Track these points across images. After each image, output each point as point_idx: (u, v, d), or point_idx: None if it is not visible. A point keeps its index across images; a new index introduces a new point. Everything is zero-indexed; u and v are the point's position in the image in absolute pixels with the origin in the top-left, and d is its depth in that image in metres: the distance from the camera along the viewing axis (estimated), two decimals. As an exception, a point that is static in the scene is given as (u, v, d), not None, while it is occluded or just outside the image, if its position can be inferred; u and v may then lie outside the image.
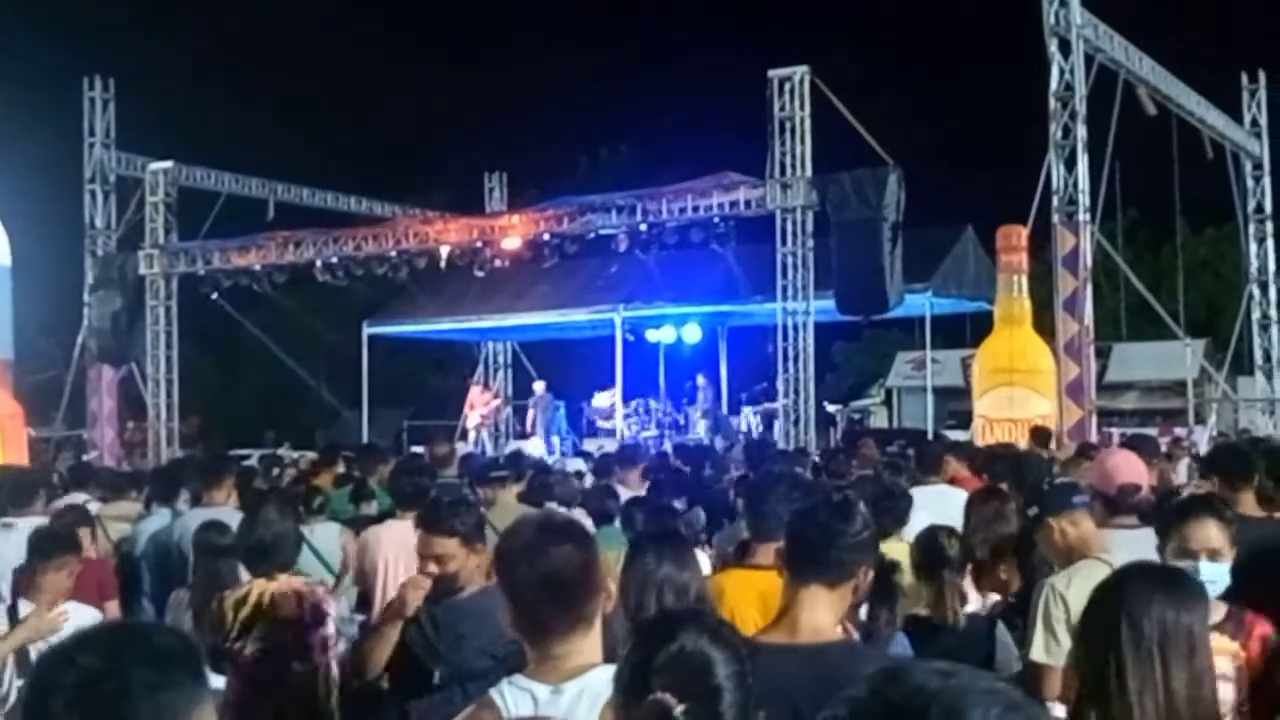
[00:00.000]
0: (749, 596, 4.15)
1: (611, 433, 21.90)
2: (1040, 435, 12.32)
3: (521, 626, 2.70)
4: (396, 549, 6.47)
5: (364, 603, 6.55)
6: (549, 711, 2.56)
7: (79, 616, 4.90)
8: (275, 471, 12.00)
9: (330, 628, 5.17)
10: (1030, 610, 4.34)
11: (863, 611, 3.70)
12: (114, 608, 6.47)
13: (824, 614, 3.08)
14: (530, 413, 23.31)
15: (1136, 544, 4.71)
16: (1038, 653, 4.14)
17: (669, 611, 2.77)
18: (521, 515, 4.33)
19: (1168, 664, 2.52)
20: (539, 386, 23.99)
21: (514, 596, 2.69)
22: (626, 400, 22.49)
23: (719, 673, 2.11)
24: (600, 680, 2.59)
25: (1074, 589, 4.02)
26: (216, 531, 6.04)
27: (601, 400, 22.51)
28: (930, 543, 4.83)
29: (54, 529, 6.10)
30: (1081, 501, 4.58)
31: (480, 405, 23.43)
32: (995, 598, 5.29)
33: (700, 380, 22.98)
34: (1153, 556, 4.56)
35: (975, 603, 5.00)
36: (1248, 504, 5.74)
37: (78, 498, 8.74)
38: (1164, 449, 11.84)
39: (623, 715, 2.13)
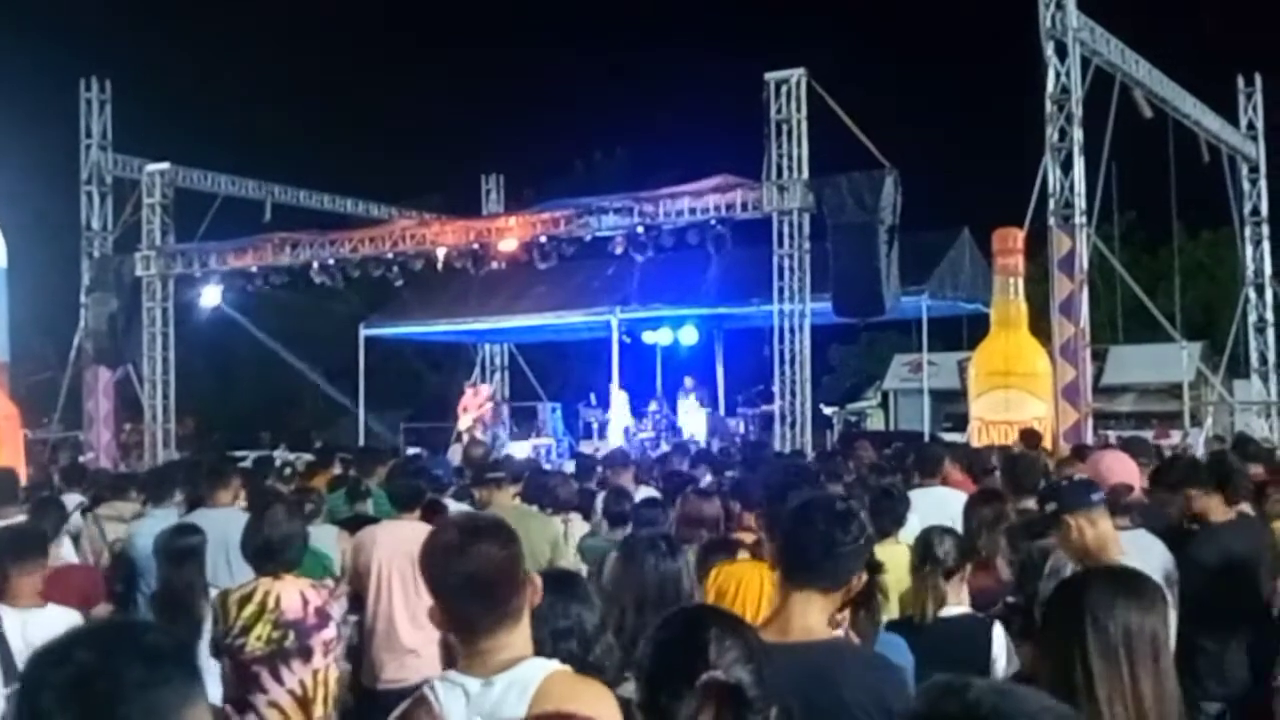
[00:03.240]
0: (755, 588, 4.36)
1: (605, 435, 21.91)
2: (1029, 437, 12.28)
3: (449, 624, 2.77)
4: (391, 550, 6.47)
5: (356, 604, 6.55)
6: (480, 704, 2.62)
7: (61, 620, 4.85)
8: (288, 472, 11.92)
9: (332, 630, 5.17)
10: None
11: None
12: (100, 614, 6.41)
13: (816, 616, 3.14)
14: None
15: (1134, 546, 4.72)
16: None
17: (687, 608, 2.82)
18: (447, 516, 4.37)
19: (1134, 668, 2.51)
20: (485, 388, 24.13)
21: (439, 595, 2.77)
22: (635, 409, 22.49)
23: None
24: (529, 671, 2.66)
25: None
26: (180, 534, 6.01)
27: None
28: (922, 542, 4.84)
29: (20, 528, 5.88)
30: (1099, 499, 4.54)
31: (474, 408, 23.43)
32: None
33: (688, 382, 22.97)
34: (1151, 558, 4.59)
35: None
36: (1217, 509, 5.78)
37: (71, 499, 8.73)
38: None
39: (655, 709, 2.16)
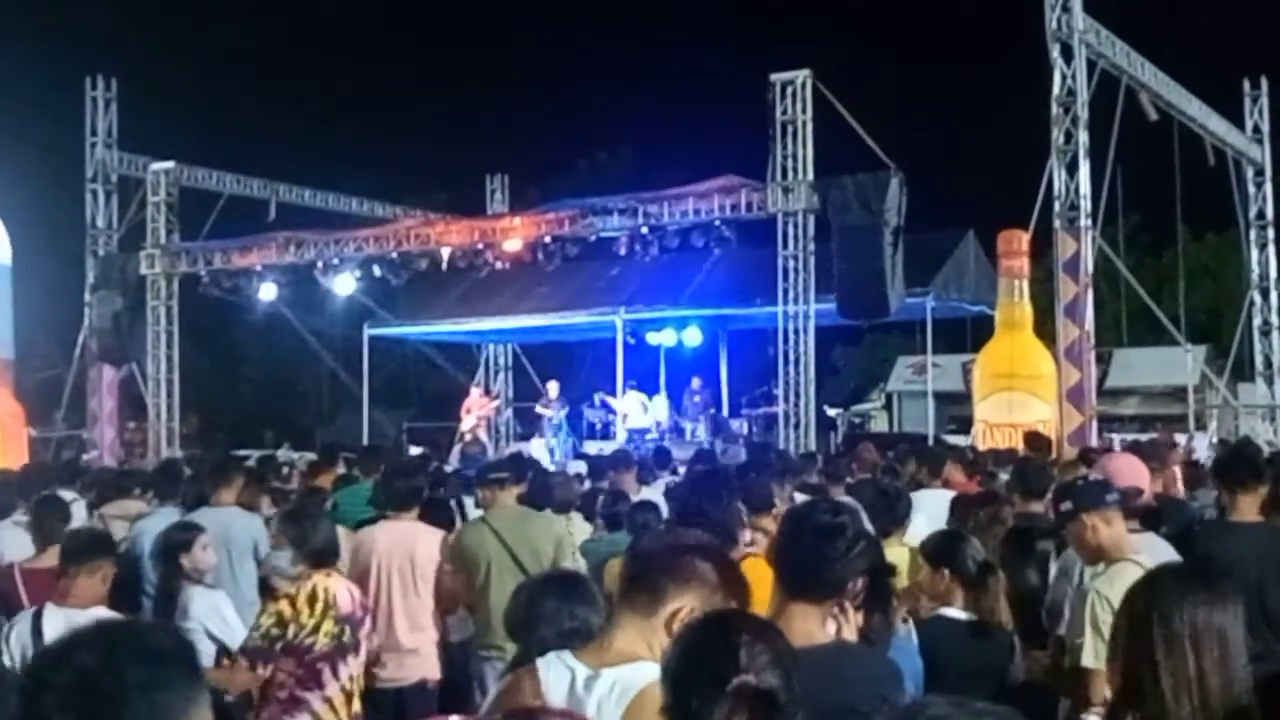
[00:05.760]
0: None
1: (611, 435, 21.87)
2: (1035, 440, 12.21)
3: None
4: (389, 549, 6.46)
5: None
6: (582, 695, 2.61)
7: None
8: (285, 470, 11.94)
9: (369, 624, 5.25)
10: (1073, 616, 4.33)
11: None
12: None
13: (815, 623, 3.16)
14: (547, 412, 23.04)
15: (1145, 549, 4.71)
16: (1088, 658, 4.10)
17: (715, 612, 2.81)
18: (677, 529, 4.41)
19: (1201, 663, 2.53)
20: (553, 388, 23.80)
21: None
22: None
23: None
24: (634, 675, 2.62)
25: (1116, 592, 3.96)
26: (176, 532, 6.00)
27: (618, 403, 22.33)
28: (959, 548, 4.72)
29: (88, 530, 5.86)
30: (1114, 500, 4.54)
31: (477, 409, 23.39)
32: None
33: (695, 384, 22.92)
34: (1162, 560, 4.56)
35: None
36: (1249, 509, 5.76)
37: (64, 496, 8.70)
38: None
39: (684, 713, 2.15)
